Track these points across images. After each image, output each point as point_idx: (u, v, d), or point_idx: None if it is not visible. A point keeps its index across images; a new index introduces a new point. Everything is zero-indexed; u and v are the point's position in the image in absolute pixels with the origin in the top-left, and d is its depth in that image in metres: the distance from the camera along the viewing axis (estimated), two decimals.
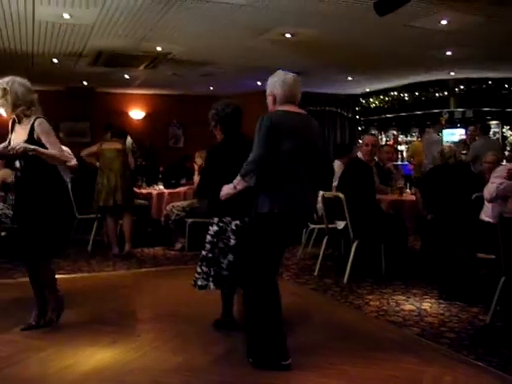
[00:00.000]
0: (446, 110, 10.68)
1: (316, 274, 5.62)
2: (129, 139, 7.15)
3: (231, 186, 3.22)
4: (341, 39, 7.17)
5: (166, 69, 9.25)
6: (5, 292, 4.83)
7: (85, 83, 10.99)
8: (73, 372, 3.08)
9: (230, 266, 3.64)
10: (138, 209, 7.17)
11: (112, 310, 4.31)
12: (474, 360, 3.31)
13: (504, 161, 7.40)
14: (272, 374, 3.05)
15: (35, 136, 3.61)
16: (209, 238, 3.71)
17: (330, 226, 5.69)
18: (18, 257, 4.17)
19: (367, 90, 12.09)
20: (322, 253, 5.72)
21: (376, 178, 5.94)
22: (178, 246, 7.13)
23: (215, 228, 3.70)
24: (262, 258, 3.17)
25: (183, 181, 8.33)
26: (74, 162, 6.17)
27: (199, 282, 3.70)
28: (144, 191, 7.82)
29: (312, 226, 6.29)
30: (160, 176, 8.74)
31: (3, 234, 6.06)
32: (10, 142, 3.72)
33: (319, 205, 5.57)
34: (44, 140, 3.62)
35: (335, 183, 5.60)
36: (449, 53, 7.97)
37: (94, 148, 6.92)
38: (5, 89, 3.59)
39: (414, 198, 6.14)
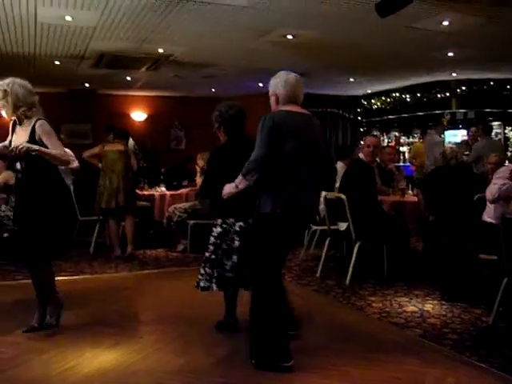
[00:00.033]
0: (447, 111, 10.67)
1: (318, 275, 5.62)
2: (131, 141, 7.17)
3: (233, 185, 3.23)
4: (342, 40, 7.17)
5: (167, 71, 9.25)
6: (7, 294, 4.84)
7: (87, 85, 11.01)
8: (75, 374, 3.08)
9: (233, 268, 3.63)
10: (140, 211, 7.17)
11: (114, 312, 4.31)
12: (476, 361, 3.30)
13: (506, 162, 7.40)
14: (274, 376, 3.05)
15: (36, 137, 3.60)
16: (212, 239, 3.71)
17: (333, 227, 5.69)
18: (18, 259, 4.16)
19: (369, 91, 12.09)
20: (324, 254, 5.72)
21: (378, 180, 5.93)
22: (180, 247, 7.13)
23: (219, 229, 3.70)
24: (266, 258, 3.17)
25: (185, 182, 8.34)
26: (75, 163, 6.19)
27: (202, 284, 3.70)
28: (146, 193, 7.83)
29: (314, 227, 6.29)
30: (162, 178, 8.74)
31: (5, 235, 6.07)
32: (10, 144, 3.71)
33: (321, 206, 5.57)
34: (46, 141, 3.61)
35: (337, 184, 5.61)
36: (450, 54, 7.96)
37: (96, 149, 6.93)
38: (5, 90, 3.58)
39: (415, 199, 6.14)
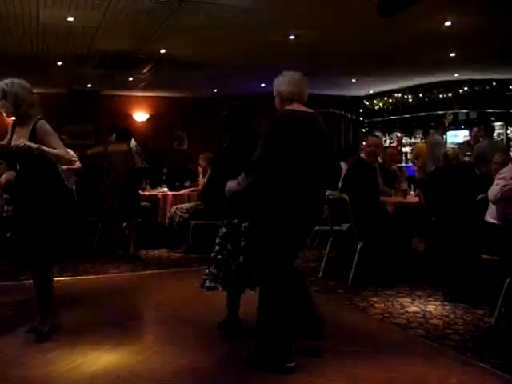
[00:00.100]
0: (449, 111, 10.67)
1: (320, 276, 5.62)
2: (133, 141, 7.16)
3: (235, 181, 3.26)
4: (344, 41, 7.18)
5: (170, 71, 9.26)
6: (10, 294, 4.85)
7: (89, 85, 11.03)
8: (78, 374, 3.09)
9: (239, 268, 3.62)
10: (142, 211, 7.17)
11: (117, 312, 4.31)
12: (478, 362, 3.30)
13: (509, 162, 7.37)
14: (275, 376, 3.05)
15: (37, 137, 3.57)
16: (218, 240, 3.70)
17: (335, 228, 5.68)
18: (17, 260, 4.08)
19: (371, 91, 12.10)
20: (326, 255, 5.71)
21: (380, 180, 5.91)
22: (183, 247, 7.13)
23: (224, 230, 3.69)
24: (274, 257, 3.18)
25: (187, 183, 8.33)
26: (77, 164, 6.20)
27: (207, 283, 3.67)
28: (147, 193, 7.82)
29: (316, 227, 6.28)
30: (164, 178, 8.74)
31: (9, 234, 6.06)
32: (9, 143, 3.69)
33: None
34: (48, 141, 3.59)
35: (339, 185, 5.60)
36: (452, 54, 7.97)
37: (99, 148, 6.94)
38: (5, 90, 3.59)
39: (417, 199, 6.13)
